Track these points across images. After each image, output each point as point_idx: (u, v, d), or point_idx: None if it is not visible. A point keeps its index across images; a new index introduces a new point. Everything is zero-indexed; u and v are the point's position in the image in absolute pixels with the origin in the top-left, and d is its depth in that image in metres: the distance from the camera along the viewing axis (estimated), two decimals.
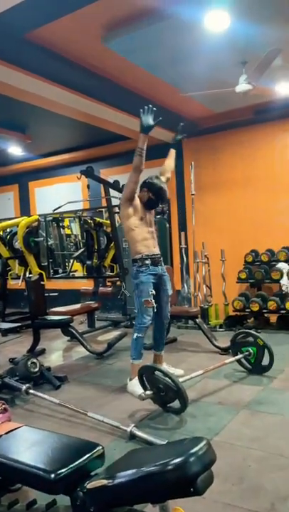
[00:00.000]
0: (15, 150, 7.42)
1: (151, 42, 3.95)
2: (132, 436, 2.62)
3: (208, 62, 4.35)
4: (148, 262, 3.56)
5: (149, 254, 3.59)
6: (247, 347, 3.86)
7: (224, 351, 4.52)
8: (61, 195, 7.91)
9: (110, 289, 6.35)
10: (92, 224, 7.90)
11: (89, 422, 2.93)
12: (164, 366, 3.90)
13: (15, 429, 1.84)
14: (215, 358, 4.44)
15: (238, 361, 3.87)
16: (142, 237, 3.59)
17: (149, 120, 3.45)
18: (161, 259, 3.73)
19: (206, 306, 6.00)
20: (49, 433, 1.85)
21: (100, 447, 1.64)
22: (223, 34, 3.76)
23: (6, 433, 1.79)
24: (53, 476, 1.47)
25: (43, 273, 7.28)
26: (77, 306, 5.88)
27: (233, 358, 3.71)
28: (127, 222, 3.60)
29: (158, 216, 7.77)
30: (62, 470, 1.49)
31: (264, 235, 6.14)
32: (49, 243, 9.21)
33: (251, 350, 3.82)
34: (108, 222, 7.16)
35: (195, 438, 1.39)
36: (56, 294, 7.66)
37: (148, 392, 2.93)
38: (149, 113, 3.44)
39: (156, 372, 2.91)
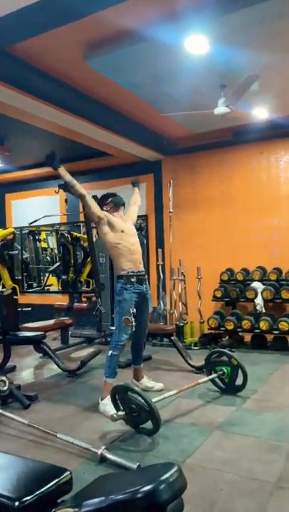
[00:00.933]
0: None
1: (132, 62, 3.99)
2: (103, 459, 2.54)
3: (188, 83, 4.42)
4: (133, 279, 3.55)
5: (135, 271, 3.59)
6: (221, 366, 3.85)
7: (198, 370, 4.50)
8: (38, 208, 7.86)
9: (85, 304, 6.26)
10: (70, 238, 7.84)
11: (58, 444, 2.83)
12: (145, 379, 3.89)
13: None
14: (189, 376, 4.41)
15: (212, 380, 3.85)
16: (127, 250, 3.59)
17: (54, 162, 3.56)
18: (146, 277, 3.72)
19: (182, 324, 5.99)
20: (14, 457, 1.77)
21: (68, 472, 1.57)
22: (202, 58, 3.84)
23: None
24: (17, 503, 1.39)
25: (17, 287, 7.13)
26: (51, 321, 5.77)
27: (206, 378, 3.69)
28: (108, 239, 3.60)
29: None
30: (27, 497, 1.41)
31: (240, 254, 6.22)
32: (24, 256, 9.08)
33: (225, 370, 3.81)
34: (85, 236, 7.12)
35: (166, 464, 1.35)
36: (29, 309, 7.53)
37: (120, 413, 2.87)
38: (51, 159, 3.57)
39: (130, 393, 2.86)
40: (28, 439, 2.98)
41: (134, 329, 3.54)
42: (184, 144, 6.48)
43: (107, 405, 3.32)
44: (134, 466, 2.40)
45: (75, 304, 6.49)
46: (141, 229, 7.55)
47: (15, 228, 7.58)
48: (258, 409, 3.45)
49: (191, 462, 2.56)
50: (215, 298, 5.99)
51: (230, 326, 5.57)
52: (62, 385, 4.29)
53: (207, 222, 6.51)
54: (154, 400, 2.98)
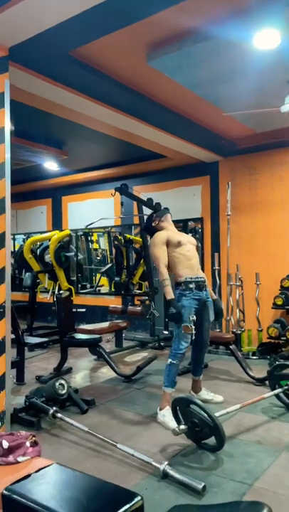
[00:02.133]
0: (51, 165, 7.46)
1: (195, 60, 3.86)
2: (165, 475, 2.43)
3: (253, 80, 4.21)
4: (192, 286, 3.46)
5: (193, 278, 3.49)
6: (287, 380, 3.62)
7: (260, 382, 4.28)
8: (93, 210, 7.93)
9: (139, 308, 6.20)
10: (123, 240, 7.83)
11: (118, 454, 2.76)
12: (204, 391, 3.75)
13: (45, 467, 1.70)
14: (250, 389, 4.21)
15: (277, 395, 3.63)
16: (184, 258, 3.50)
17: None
18: (206, 283, 3.59)
19: (239, 332, 5.76)
20: (82, 475, 1.70)
21: (139, 498, 1.48)
22: (270, 53, 3.63)
23: (36, 471, 1.66)
24: None
25: (72, 288, 7.23)
26: (106, 324, 5.76)
27: (272, 393, 3.48)
28: (168, 252, 3.56)
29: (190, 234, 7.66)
30: None
31: None
32: (78, 257, 9.21)
33: None
34: (139, 238, 7.07)
35: (254, 503, 1.22)
36: (84, 310, 7.60)
37: (182, 427, 2.74)
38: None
39: (192, 406, 2.73)
40: (87, 446, 2.94)
41: (194, 337, 3.41)
42: (243, 143, 6.24)
43: (165, 416, 3.23)
44: (200, 487, 2.27)
45: (129, 306, 6.44)
46: (195, 232, 7.40)
47: (71, 230, 7.71)
48: None
49: (261, 486, 2.39)
50: (275, 305, 5.70)
51: None
52: (119, 390, 4.23)
53: (266, 225, 6.23)
54: (216, 414, 2.84)
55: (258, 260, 6.22)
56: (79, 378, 4.72)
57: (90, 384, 4.49)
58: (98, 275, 9.02)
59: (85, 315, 8.02)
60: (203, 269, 6.86)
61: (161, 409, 3.33)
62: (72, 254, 7.06)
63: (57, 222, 8.93)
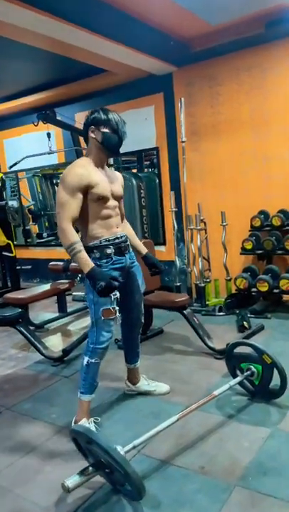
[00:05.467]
0: None
1: None
2: None
3: None
4: (110, 250, 2.37)
5: (111, 239, 2.39)
6: (248, 363, 2.71)
7: (221, 355, 3.39)
8: (34, 146, 6.53)
9: (61, 263, 5.11)
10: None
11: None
12: (143, 382, 2.87)
13: None
14: (209, 365, 3.34)
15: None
16: (102, 214, 2.37)
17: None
18: (128, 242, 2.53)
19: (203, 285, 4.82)
20: None
21: None
22: None
23: None
24: None
25: (11, 243, 6.13)
26: (43, 287, 4.75)
27: (225, 386, 2.56)
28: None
29: (145, 171, 6.45)
30: None
31: (277, 192, 4.79)
32: (29, 204, 7.98)
33: (254, 369, 2.67)
34: None
35: None
36: (29, 266, 6.57)
37: (74, 481, 1.79)
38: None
39: (93, 446, 1.79)
40: None
41: (119, 322, 2.43)
42: (198, 45, 4.86)
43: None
44: None
45: (72, 264, 5.39)
46: (153, 166, 6.20)
47: (3, 173, 6.45)
48: None
49: None
50: (244, 250, 4.70)
51: (264, 288, 4.34)
52: (41, 381, 3.31)
53: (233, 151, 5.04)
54: (142, 437, 1.93)
55: (225, 196, 5.13)
56: (1, 363, 3.79)
57: (10, 372, 3.56)
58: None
59: (34, 272, 7.01)
60: (162, 212, 5.87)
61: (76, 422, 2.42)
62: (4, 203, 5.87)
63: None
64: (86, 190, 2.27)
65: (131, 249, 2.57)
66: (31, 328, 4.17)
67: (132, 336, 2.78)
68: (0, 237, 6.08)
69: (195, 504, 1.85)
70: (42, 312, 5.27)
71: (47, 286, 4.79)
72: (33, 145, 6.50)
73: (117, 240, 2.42)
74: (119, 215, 2.53)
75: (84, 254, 2.23)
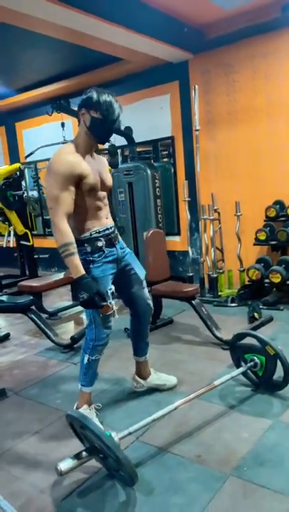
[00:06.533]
0: None
1: None
2: None
3: None
4: (101, 243, 2.30)
5: (101, 230, 2.32)
6: (252, 354, 2.69)
7: (228, 345, 3.35)
8: (53, 136, 6.56)
9: None
10: None
11: None
12: (153, 376, 2.81)
13: None
14: (215, 355, 3.34)
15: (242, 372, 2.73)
16: (92, 205, 2.29)
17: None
18: (117, 232, 2.46)
19: (215, 275, 4.78)
20: None
21: None
22: None
23: None
24: None
25: (28, 232, 6.23)
26: (57, 276, 4.83)
27: (227, 376, 2.55)
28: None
29: (163, 160, 6.40)
30: None
31: None
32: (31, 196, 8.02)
33: (257, 360, 2.65)
34: (109, 168, 5.86)
35: None
36: (46, 255, 6.67)
37: (68, 464, 1.82)
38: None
39: (87, 431, 1.82)
40: None
41: (115, 316, 2.39)
42: (213, 32, 4.77)
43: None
44: None
45: None
46: (169, 156, 6.15)
47: (27, 163, 6.53)
48: None
49: None
50: (257, 241, 4.64)
51: (276, 279, 4.27)
52: (50, 367, 3.39)
53: (249, 140, 4.95)
54: (135, 427, 1.96)
55: (240, 186, 5.05)
56: (11, 350, 3.89)
57: (20, 357, 3.65)
58: None
59: (52, 261, 7.11)
60: (177, 202, 5.82)
61: (78, 408, 2.46)
62: (22, 192, 5.96)
63: (14, 154, 7.68)
64: (78, 180, 2.16)
65: (120, 239, 2.47)
66: (44, 315, 4.25)
67: (141, 327, 2.69)
68: (18, 227, 6.20)
69: (187, 492, 1.86)
70: (57, 300, 5.36)
71: (61, 275, 4.85)
72: (51, 135, 6.54)
73: (107, 231, 2.33)
74: (108, 205, 2.40)
75: (76, 258, 2.12)
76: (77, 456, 1.88)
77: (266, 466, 1.99)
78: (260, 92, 4.77)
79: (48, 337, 3.70)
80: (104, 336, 2.37)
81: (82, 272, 2.15)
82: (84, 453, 1.91)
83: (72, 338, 3.58)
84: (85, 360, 2.39)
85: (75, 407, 2.47)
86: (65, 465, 1.81)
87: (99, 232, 2.30)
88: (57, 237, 2.12)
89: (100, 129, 2.21)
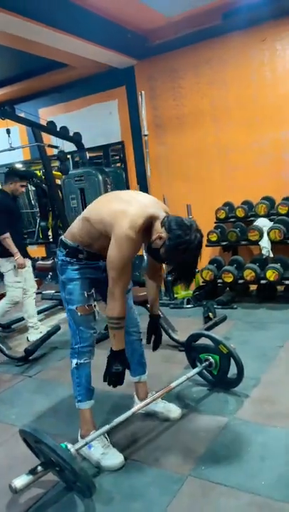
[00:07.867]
0: None
1: None
2: None
3: None
4: (81, 256, 2.18)
5: (91, 252, 2.19)
6: (206, 354, 2.73)
7: (184, 347, 3.39)
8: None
9: (50, 262, 5.08)
10: (43, 176, 6.49)
11: None
12: (159, 403, 2.54)
13: None
14: (172, 358, 3.37)
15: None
16: (101, 246, 2.13)
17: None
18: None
19: (170, 278, 4.83)
20: None
21: None
22: None
23: None
24: None
25: None
26: None
27: (183, 378, 2.57)
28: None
29: (116, 165, 6.41)
30: None
31: (241, 183, 4.85)
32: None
33: (212, 360, 2.70)
34: (60, 174, 5.76)
35: None
36: None
37: (22, 481, 1.76)
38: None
39: (41, 445, 1.78)
40: None
41: (98, 317, 2.30)
42: (157, 38, 4.85)
43: (93, 448, 2.14)
44: None
45: (38, 262, 5.31)
46: (121, 161, 6.16)
47: None
48: (260, 420, 2.36)
49: None
50: (209, 242, 4.73)
51: (228, 279, 4.38)
52: (4, 381, 3.27)
53: (197, 144, 5.06)
54: (99, 431, 1.93)
55: (191, 188, 5.15)
56: None
57: None
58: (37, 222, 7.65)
59: None
60: None
61: (82, 437, 2.20)
62: None
63: None
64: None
65: None
66: None
67: (130, 341, 2.42)
68: None
69: (146, 497, 1.85)
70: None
71: None
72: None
73: (92, 264, 2.22)
74: None
75: (122, 332, 2.08)
76: (32, 472, 1.82)
77: (223, 464, 2.02)
78: (205, 96, 4.90)
79: (1, 350, 3.58)
80: (88, 335, 2.24)
81: (124, 346, 2.10)
82: (39, 467, 1.85)
83: (26, 350, 3.48)
84: (73, 365, 2.23)
85: (79, 437, 2.24)
86: (19, 481, 1.75)
87: (87, 252, 2.19)
88: (115, 307, 2.02)
89: (172, 261, 2.05)
